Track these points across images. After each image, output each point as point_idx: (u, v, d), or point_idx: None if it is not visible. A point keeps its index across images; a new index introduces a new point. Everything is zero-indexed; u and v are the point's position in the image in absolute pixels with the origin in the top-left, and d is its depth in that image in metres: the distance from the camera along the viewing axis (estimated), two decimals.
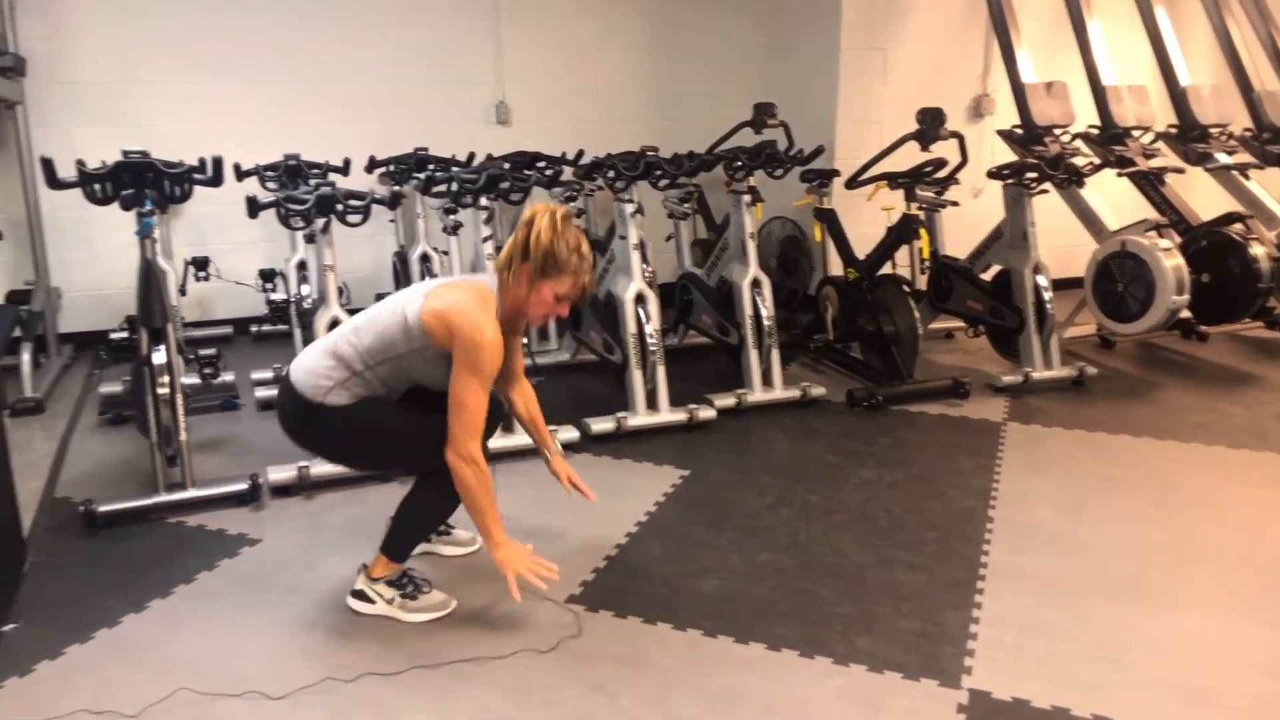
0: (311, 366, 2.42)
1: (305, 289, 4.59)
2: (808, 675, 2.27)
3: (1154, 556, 2.87)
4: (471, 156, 4.92)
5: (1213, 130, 5.23)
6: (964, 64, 5.98)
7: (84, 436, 3.88)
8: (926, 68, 5.84)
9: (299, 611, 2.54)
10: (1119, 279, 4.57)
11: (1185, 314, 4.75)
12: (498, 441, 3.58)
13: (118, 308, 5.00)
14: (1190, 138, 5.24)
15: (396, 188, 4.84)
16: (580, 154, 5.01)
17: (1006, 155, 5.21)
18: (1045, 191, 4.59)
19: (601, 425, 3.80)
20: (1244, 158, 5.25)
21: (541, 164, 4.78)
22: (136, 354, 3.20)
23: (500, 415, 2.75)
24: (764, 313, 4.21)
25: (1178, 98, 5.25)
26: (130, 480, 3.38)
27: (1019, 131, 5.06)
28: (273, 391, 4.21)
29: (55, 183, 3.00)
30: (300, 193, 3.44)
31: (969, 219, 5.34)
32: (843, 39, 5.54)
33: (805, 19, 5.87)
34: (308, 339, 4.07)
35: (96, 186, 3.06)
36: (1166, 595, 2.65)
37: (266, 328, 5.27)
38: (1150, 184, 5.11)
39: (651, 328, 3.90)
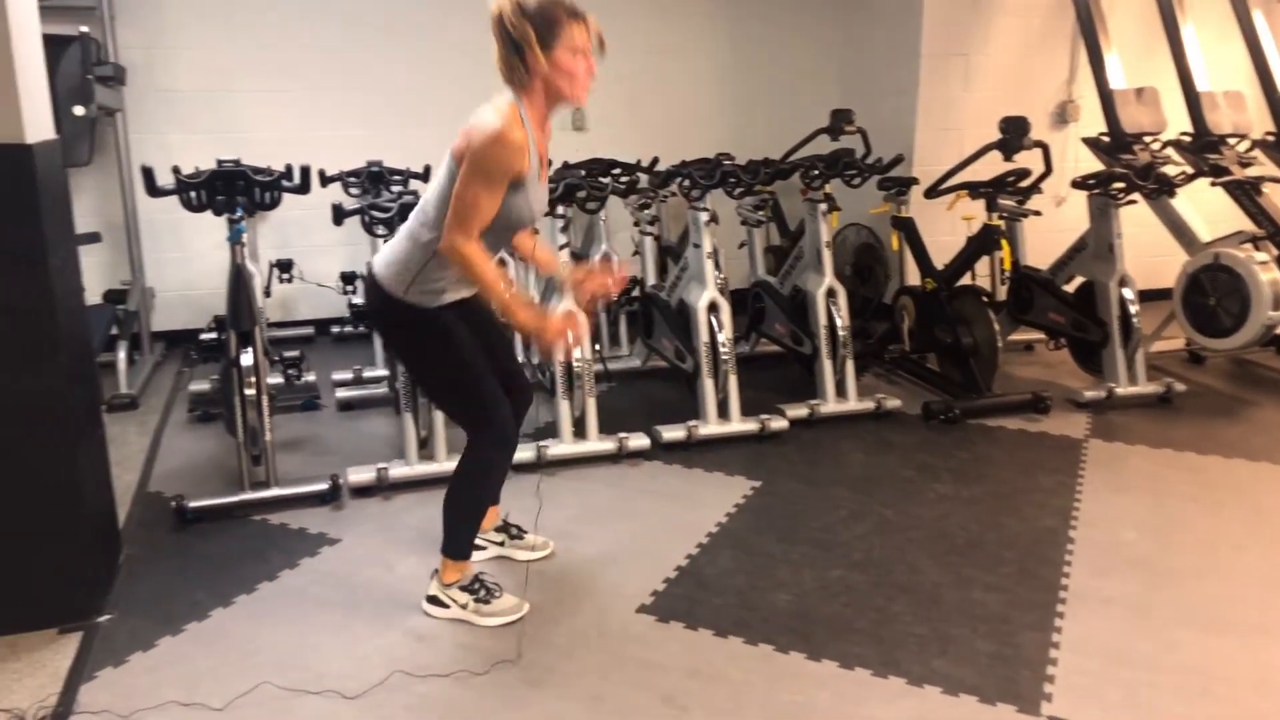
0: (390, 258, 2.39)
1: None
2: (881, 695, 2.24)
3: (1247, 584, 2.76)
4: (549, 164, 4.96)
5: None
6: (1049, 69, 5.83)
7: (174, 433, 4.02)
8: (1010, 73, 5.71)
9: (377, 612, 2.60)
10: (1211, 292, 4.41)
11: None
12: (563, 448, 3.61)
13: (207, 307, 5.18)
14: None
15: None
16: (655, 160, 5.02)
17: (1091, 163, 5.07)
18: (1133, 202, 4.45)
19: (672, 433, 3.80)
20: None
21: (617, 171, 4.80)
22: (225, 355, 3.32)
23: (528, 402, 2.74)
24: (839, 322, 4.17)
25: (1276, 105, 5.04)
26: (217, 477, 3.50)
27: (1106, 139, 4.91)
28: (353, 392, 4.33)
29: (154, 190, 3.12)
30: (384, 200, 3.52)
31: (1051, 228, 5.21)
32: (924, 44, 5.45)
33: (885, 24, 5.79)
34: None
35: (191, 194, 3.17)
36: (1261, 626, 2.55)
37: (347, 329, 5.40)
38: (1246, 194, 4.90)
39: (724, 336, 3.89)
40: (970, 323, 4.40)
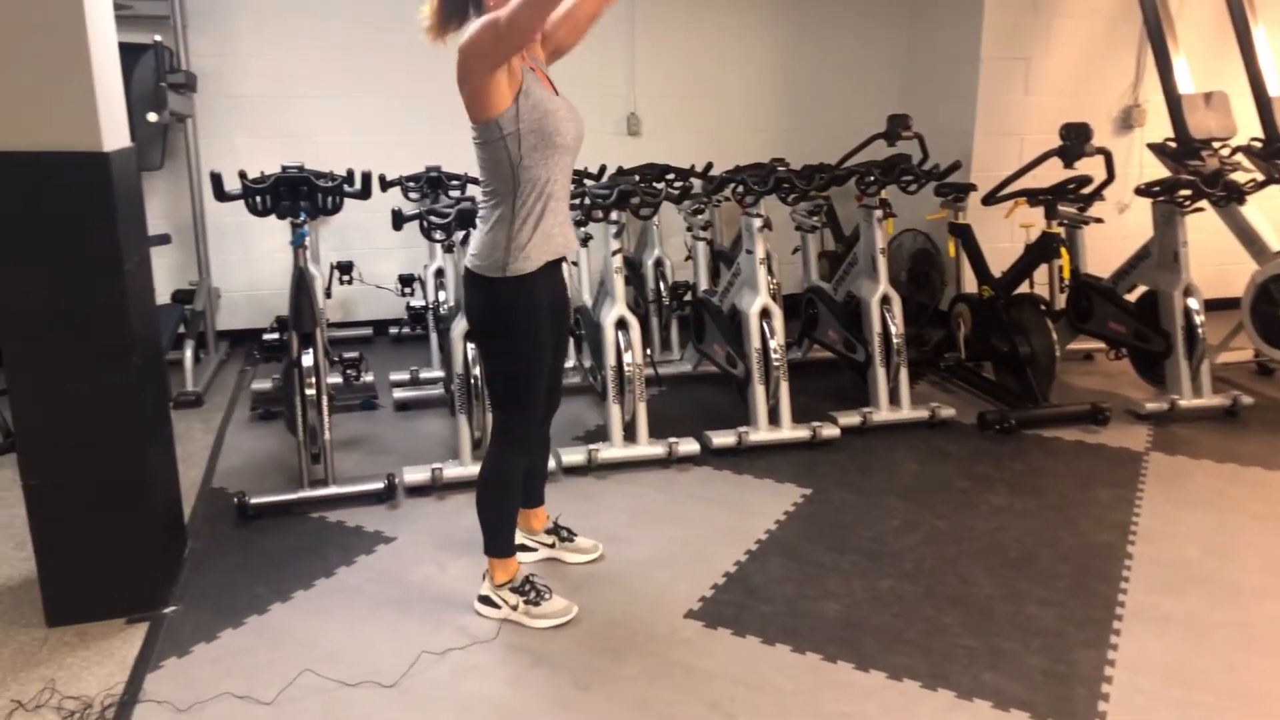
0: (479, 249, 2.42)
1: (443, 295, 4.77)
2: (929, 708, 2.23)
3: None
4: (603, 170, 5.01)
5: None
6: (1113, 73, 5.71)
7: (237, 430, 4.14)
8: (1072, 77, 5.60)
9: (429, 610, 2.65)
10: None
11: None
12: (613, 452, 3.64)
13: (269, 307, 5.31)
14: None
15: None
16: (709, 166, 5.03)
17: (1156, 169, 4.96)
18: (1200, 209, 4.34)
19: (723, 439, 3.81)
20: None
21: (670, 176, 4.82)
22: (287, 355, 3.41)
23: (555, 406, 2.77)
24: (893, 330, 4.13)
25: None
26: (277, 474, 3.60)
27: (1172, 145, 4.80)
28: (410, 393, 4.41)
29: (222, 195, 3.22)
30: (442, 206, 3.58)
31: (1113, 235, 5.10)
32: (983, 48, 5.38)
33: (944, 28, 5.72)
34: (443, 344, 4.24)
35: (256, 199, 3.27)
36: None
37: (404, 330, 5.50)
38: None
39: (775, 343, 3.89)
40: (1028, 331, 4.34)
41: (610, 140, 5.81)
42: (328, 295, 4.68)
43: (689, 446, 3.72)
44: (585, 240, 4.50)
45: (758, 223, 3.98)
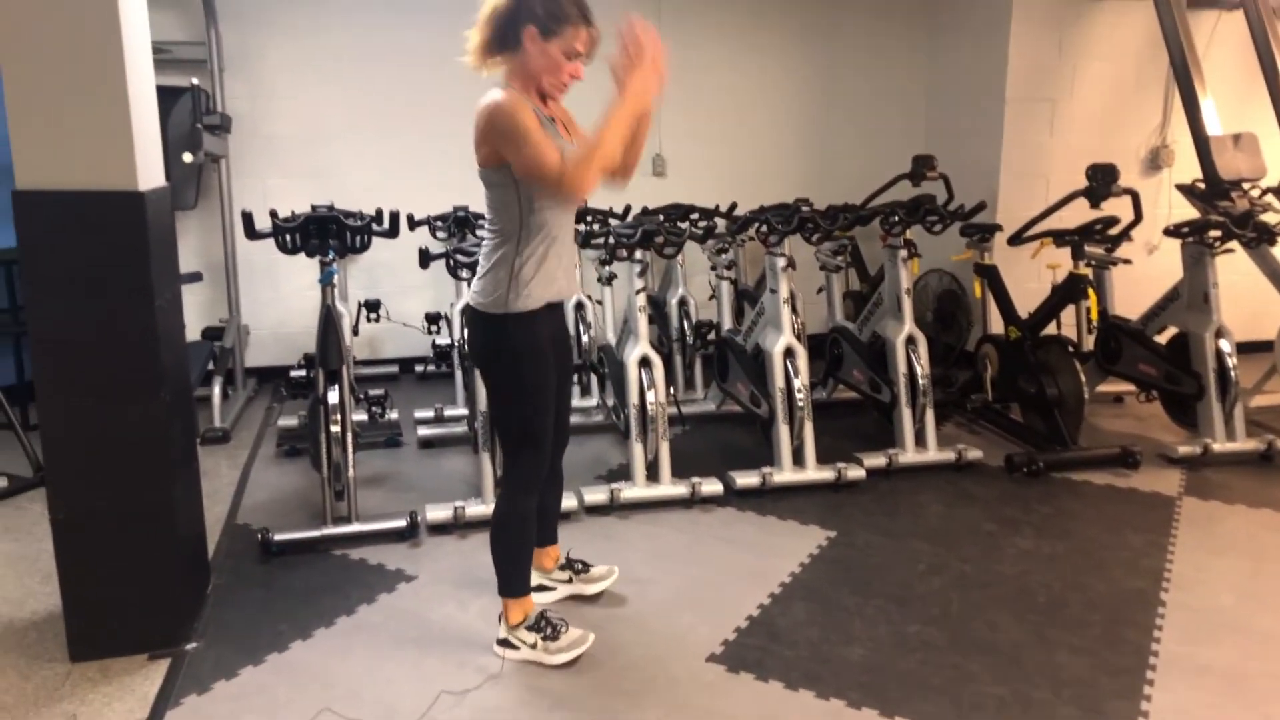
0: (482, 288, 2.44)
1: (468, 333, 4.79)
2: None
3: None
4: (627, 209, 5.05)
5: None
6: (1140, 114, 5.70)
7: (263, 466, 4.17)
8: (1098, 119, 5.60)
9: (449, 650, 2.64)
10: None
11: None
12: (635, 491, 3.62)
13: (298, 344, 5.37)
14: None
15: None
16: (734, 206, 5.06)
17: (1185, 210, 4.92)
18: (1230, 250, 4.30)
19: (746, 479, 3.78)
20: None
21: (695, 216, 4.85)
22: (313, 392, 3.43)
23: (563, 445, 2.77)
24: (919, 370, 4.11)
25: None
26: (301, 511, 3.61)
27: (1201, 186, 4.76)
28: (434, 430, 4.42)
29: (253, 234, 3.27)
30: (468, 245, 3.61)
31: (1142, 277, 5.07)
32: (1008, 89, 5.39)
33: (968, 69, 5.75)
34: (468, 382, 4.25)
35: (286, 237, 3.32)
36: None
37: (430, 368, 5.53)
38: None
39: (800, 382, 3.87)
40: (1055, 373, 4.29)
41: (636, 180, 5.79)
42: (355, 333, 4.71)
43: (712, 487, 3.70)
44: (610, 279, 4.52)
45: (781, 262, 3.98)
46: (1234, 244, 4.30)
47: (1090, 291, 4.38)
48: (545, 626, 2.59)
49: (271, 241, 3.33)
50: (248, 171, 5.30)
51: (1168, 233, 4.33)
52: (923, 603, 2.92)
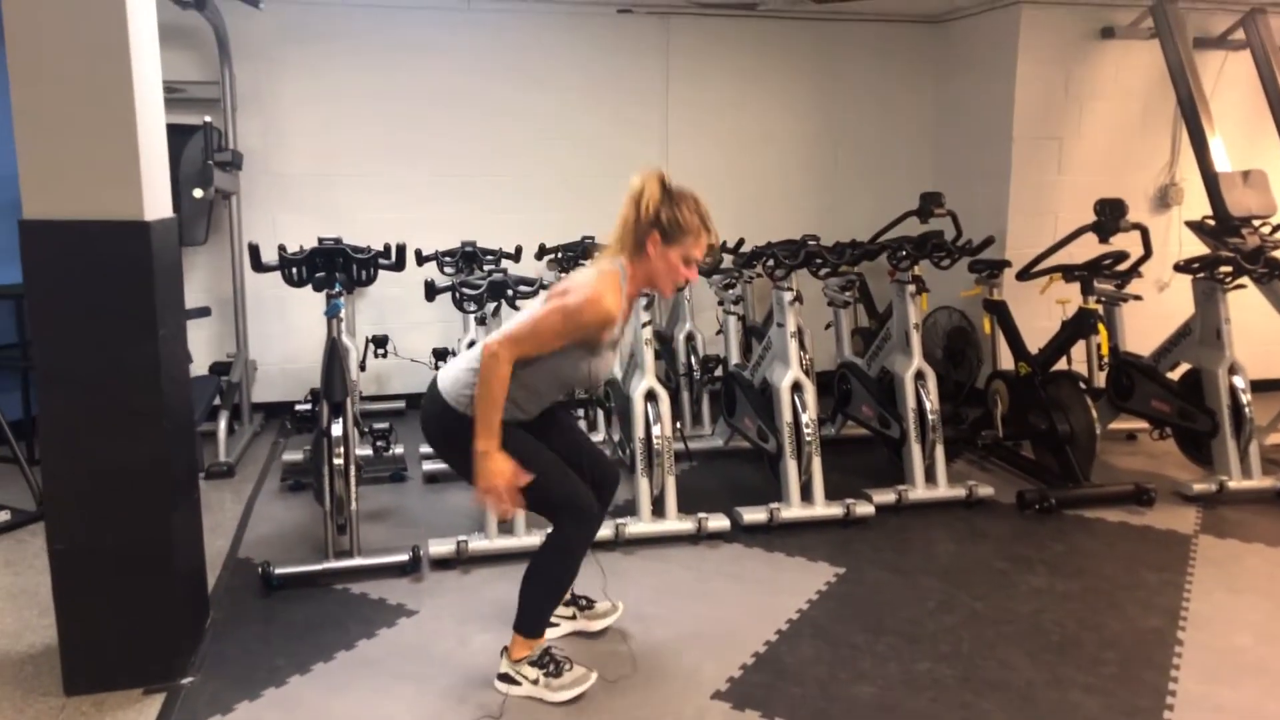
0: (457, 377, 2.47)
1: None
2: None
3: None
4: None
5: None
6: (1148, 153, 5.70)
7: (267, 500, 4.14)
8: (1106, 157, 5.60)
9: (451, 686, 2.59)
10: None
11: None
12: (641, 527, 3.58)
13: (305, 380, 5.36)
14: None
15: (563, 274, 5.02)
16: (741, 242, 5.06)
17: (1195, 247, 4.90)
18: (1242, 286, 4.27)
19: (754, 515, 3.73)
20: None
21: None
22: (317, 426, 3.42)
23: (614, 482, 2.73)
24: (928, 406, 4.07)
25: None
26: (304, 545, 3.58)
27: (1211, 223, 4.75)
28: (438, 465, 4.39)
29: (259, 266, 3.28)
30: (474, 278, 3.62)
31: (1154, 314, 5.03)
32: (1015, 127, 5.41)
33: (976, 108, 5.77)
34: None
35: (292, 270, 3.32)
36: None
37: None
38: None
39: (807, 417, 3.84)
40: (1066, 409, 4.24)
41: None
42: (362, 368, 4.72)
43: (719, 522, 3.65)
44: None
45: (788, 296, 3.97)
46: (1245, 280, 4.27)
47: (1101, 327, 4.34)
48: (549, 663, 2.54)
49: (280, 277, 3.33)
50: (258, 207, 5.34)
51: (1179, 268, 4.31)
52: (933, 640, 2.86)
